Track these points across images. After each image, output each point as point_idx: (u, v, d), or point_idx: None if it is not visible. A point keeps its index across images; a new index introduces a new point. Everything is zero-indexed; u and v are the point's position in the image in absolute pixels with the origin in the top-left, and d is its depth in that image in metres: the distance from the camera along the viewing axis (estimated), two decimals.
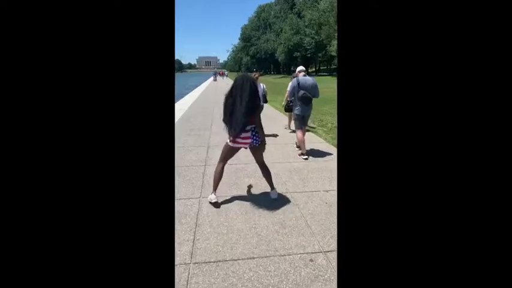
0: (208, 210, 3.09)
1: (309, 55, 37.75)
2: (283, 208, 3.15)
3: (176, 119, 8.93)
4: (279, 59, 46.89)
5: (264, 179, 3.40)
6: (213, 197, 3.20)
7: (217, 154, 5.00)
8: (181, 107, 12.11)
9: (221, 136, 6.27)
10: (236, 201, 3.31)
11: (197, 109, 11.39)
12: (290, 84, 5.10)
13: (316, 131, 7.15)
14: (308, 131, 6.59)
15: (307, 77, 4.89)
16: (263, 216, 2.97)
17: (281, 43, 43.51)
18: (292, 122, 5.96)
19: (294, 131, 5.60)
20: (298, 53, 38.45)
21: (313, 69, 49.03)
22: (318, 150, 5.51)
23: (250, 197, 3.43)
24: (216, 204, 3.18)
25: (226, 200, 3.35)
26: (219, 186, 3.26)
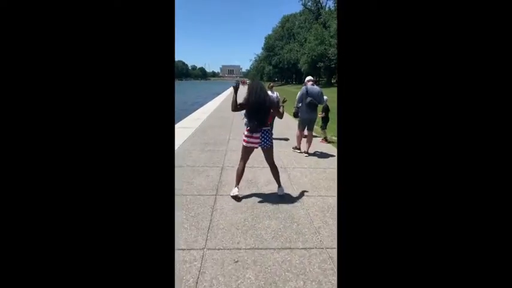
0: (213, 274, 2.18)
1: (333, 65, 36.44)
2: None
3: (192, 130, 8.16)
4: (302, 69, 45.69)
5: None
6: (235, 191, 3.56)
7: (232, 178, 4.21)
8: (199, 116, 11.38)
9: (238, 154, 5.44)
10: (250, 255, 2.37)
11: (216, 119, 10.59)
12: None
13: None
14: (330, 142, 7.00)
15: (315, 86, 5.60)
16: None
17: (304, 53, 42.32)
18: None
19: (305, 136, 5.94)
20: (322, 64, 37.39)
21: (335, 80, 47.65)
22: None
23: (268, 255, 2.48)
24: (237, 198, 3.50)
25: (239, 254, 2.42)
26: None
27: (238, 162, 3.61)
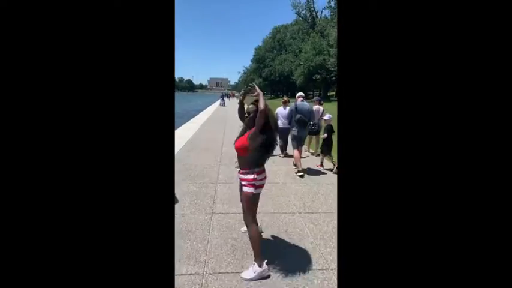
0: None
1: (333, 77, 34.30)
2: None
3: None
4: (297, 82, 43.75)
5: None
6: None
7: (223, 233, 1.84)
8: (183, 134, 9.00)
9: (230, 187, 3.25)
10: None
11: (201, 142, 8.20)
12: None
13: None
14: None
15: (304, 103, 5.65)
16: None
17: (300, 64, 40.12)
18: (311, 144, 7.37)
19: (313, 154, 6.47)
20: (319, 76, 35.42)
21: (333, 92, 45.84)
22: None
23: None
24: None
25: None
26: None
27: (249, 223, 2.47)
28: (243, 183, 2.38)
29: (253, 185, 2.32)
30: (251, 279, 2.32)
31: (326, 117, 5.91)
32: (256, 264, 2.37)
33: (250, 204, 2.39)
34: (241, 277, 2.36)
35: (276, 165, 5.92)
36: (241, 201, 2.50)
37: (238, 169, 2.46)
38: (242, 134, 2.46)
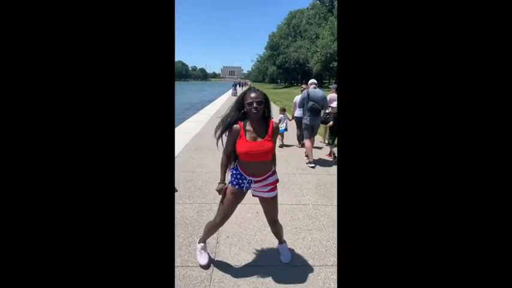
0: None
1: None
2: None
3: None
4: (313, 69, 41.90)
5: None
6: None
7: None
8: (188, 128, 7.88)
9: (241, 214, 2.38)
10: None
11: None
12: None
13: None
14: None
15: (317, 89, 5.40)
16: None
17: (317, 51, 38.28)
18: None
19: (328, 144, 6.01)
20: (337, 63, 33.27)
21: None
22: None
23: None
24: None
25: None
26: None
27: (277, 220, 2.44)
28: (271, 187, 2.23)
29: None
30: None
31: (334, 104, 5.63)
32: (285, 243, 2.59)
33: (277, 204, 2.36)
34: (284, 262, 2.46)
35: (290, 156, 4.74)
36: (266, 211, 2.37)
37: (250, 180, 2.18)
38: (240, 137, 2.14)
